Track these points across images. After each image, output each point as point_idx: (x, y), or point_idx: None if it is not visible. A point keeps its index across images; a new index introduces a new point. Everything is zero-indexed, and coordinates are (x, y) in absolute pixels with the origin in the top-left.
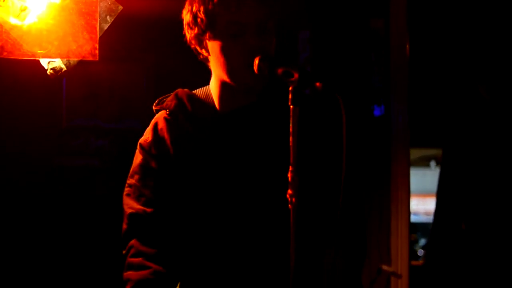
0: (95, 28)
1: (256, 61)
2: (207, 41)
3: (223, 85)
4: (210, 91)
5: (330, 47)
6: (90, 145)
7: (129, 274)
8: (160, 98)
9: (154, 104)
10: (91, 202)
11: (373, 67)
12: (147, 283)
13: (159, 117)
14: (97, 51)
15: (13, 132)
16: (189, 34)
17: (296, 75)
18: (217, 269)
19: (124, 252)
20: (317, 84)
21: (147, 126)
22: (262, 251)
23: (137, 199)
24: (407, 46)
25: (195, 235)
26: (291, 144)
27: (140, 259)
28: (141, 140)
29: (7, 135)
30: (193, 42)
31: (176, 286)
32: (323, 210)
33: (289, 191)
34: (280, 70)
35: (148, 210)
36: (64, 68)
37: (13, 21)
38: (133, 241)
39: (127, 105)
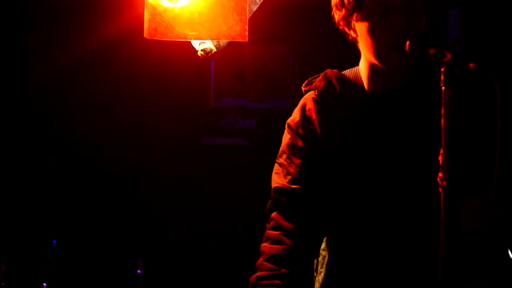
0: (245, 9)
1: (408, 42)
2: (354, 22)
3: (372, 67)
4: (359, 72)
5: (481, 25)
6: (237, 124)
7: (264, 246)
8: (310, 78)
9: (304, 84)
10: (237, 180)
11: None
12: (279, 259)
13: (308, 98)
14: (246, 33)
15: (164, 111)
16: (337, 15)
17: (448, 56)
18: (363, 253)
19: (267, 224)
20: (471, 65)
21: (294, 106)
22: (410, 235)
23: (284, 176)
24: None
25: (340, 216)
26: (442, 126)
27: (278, 233)
28: (289, 120)
29: (159, 114)
30: (341, 23)
31: (310, 265)
32: (474, 195)
33: (440, 175)
34: (432, 51)
35: (293, 186)
36: (214, 50)
37: (165, 3)
38: (274, 214)
39: (272, 85)
